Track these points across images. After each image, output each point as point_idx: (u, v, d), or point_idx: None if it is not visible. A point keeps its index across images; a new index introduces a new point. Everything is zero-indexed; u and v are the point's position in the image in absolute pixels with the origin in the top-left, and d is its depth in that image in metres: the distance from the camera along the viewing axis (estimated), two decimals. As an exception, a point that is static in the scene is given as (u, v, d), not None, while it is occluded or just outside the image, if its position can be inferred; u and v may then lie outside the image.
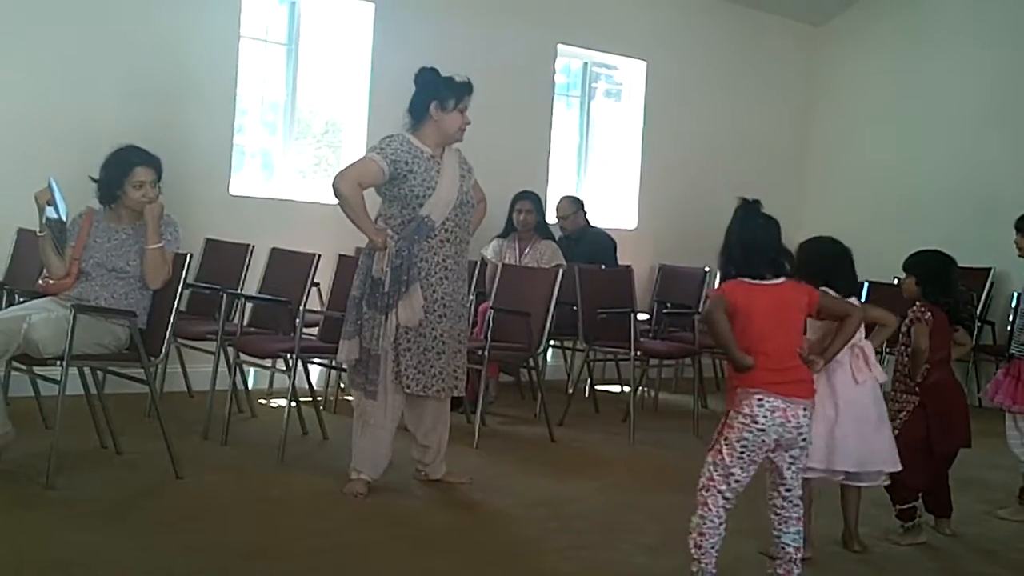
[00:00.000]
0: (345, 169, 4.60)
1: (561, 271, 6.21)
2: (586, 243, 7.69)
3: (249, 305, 5.87)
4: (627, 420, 6.25)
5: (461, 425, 5.78)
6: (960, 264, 8.61)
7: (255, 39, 7.11)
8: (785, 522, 3.49)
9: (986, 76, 8.64)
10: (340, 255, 5.94)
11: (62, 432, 4.36)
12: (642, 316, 7.26)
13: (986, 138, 8.60)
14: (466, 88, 4.65)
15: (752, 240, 3.47)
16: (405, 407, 4.67)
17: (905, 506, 4.39)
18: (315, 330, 5.81)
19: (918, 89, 9.10)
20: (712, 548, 3.41)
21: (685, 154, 8.96)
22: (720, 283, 3.55)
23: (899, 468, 4.08)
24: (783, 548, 3.50)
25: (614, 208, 8.84)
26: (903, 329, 4.46)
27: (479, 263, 6.98)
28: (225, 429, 5.30)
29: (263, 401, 6.40)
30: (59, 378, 4.32)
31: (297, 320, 5.38)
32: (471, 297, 6.37)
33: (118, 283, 4.65)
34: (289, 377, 5.26)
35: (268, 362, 5.72)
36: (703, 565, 3.41)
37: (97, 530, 3.89)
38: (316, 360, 5.98)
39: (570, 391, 6.81)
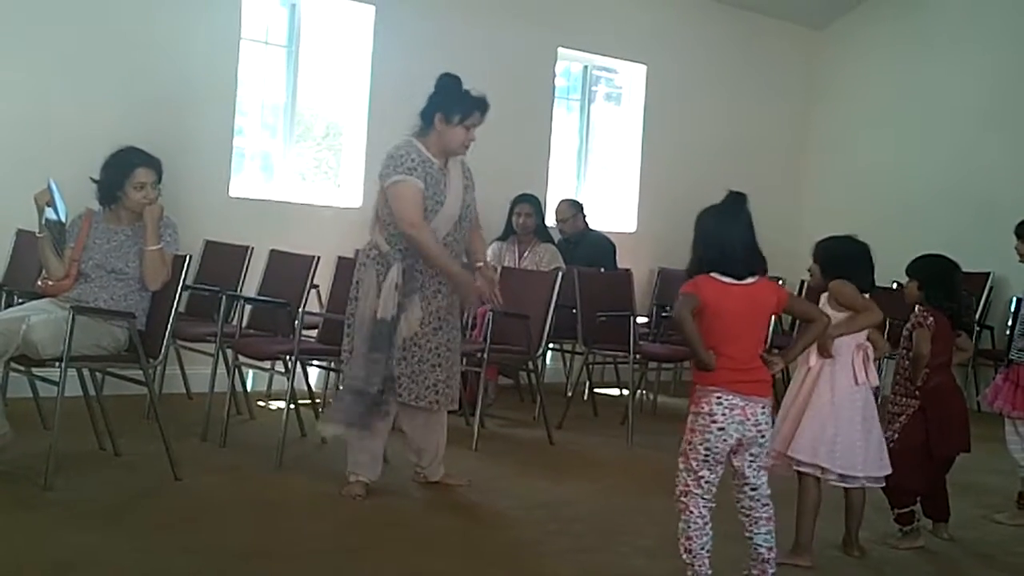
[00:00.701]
0: (404, 213, 4.39)
1: (560, 274, 6.21)
2: (585, 246, 7.69)
3: (248, 307, 5.87)
4: (626, 423, 6.25)
5: (460, 427, 5.78)
6: (959, 268, 8.61)
7: (255, 41, 7.11)
8: (755, 522, 3.50)
9: (985, 80, 8.65)
10: (339, 257, 5.94)
11: (61, 433, 4.36)
12: (641, 319, 7.26)
13: (985, 142, 8.60)
14: (477, 104, 4.56)
15: (736, 237, 3.45)
16: (401, 412, 4.66)
17: (903, 510, 4.39)
18: (314, 332, 5.81)
19: (917, 93, 9.10)
20: (702, 550, 3.42)
21: (685, 157, 8.96)
22: (690, 277, 3.49)
23: (885, 473, 4.09)
24: (756, 548, 3.50)
25: (614, 211, 8.84)
26: (904, 333, 4.47)
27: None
28: (224, 431, 5.30)
29: (262, 403, 6.40)
30: (58, 379, 4.32)
31: (296, 322, 5.38)
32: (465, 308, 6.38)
33: (117, 284, 4.65)
34: (288, 379, 5.25)
35: (267, 364, 5.72)
36: (696, 568, 3.42)
37: (95, 531, 3.89)
38: (315, 362, 5.98)
39: (569, 394, 6.80)
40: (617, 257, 7.81)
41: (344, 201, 7.33)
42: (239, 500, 4.48)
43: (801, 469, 4.01)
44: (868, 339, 4.11)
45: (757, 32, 9.45)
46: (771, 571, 3.50)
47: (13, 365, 4.53)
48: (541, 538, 4.25)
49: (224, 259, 6.24)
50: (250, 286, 6.17)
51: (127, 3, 6.39)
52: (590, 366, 6.86)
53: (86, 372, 4.79)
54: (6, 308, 5.11)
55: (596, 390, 7.15)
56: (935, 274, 4.47)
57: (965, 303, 4.65)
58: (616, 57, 8.84)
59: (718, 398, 3.40)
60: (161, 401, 5.00)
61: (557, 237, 7.62)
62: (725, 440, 3.40)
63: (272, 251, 6.17)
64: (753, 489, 3.48)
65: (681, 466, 3.47)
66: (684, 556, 3.44)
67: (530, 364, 6.28)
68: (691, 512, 3.43)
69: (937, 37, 8.99)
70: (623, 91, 9.07)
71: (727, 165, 9.07)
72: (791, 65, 9.79)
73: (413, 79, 7.07)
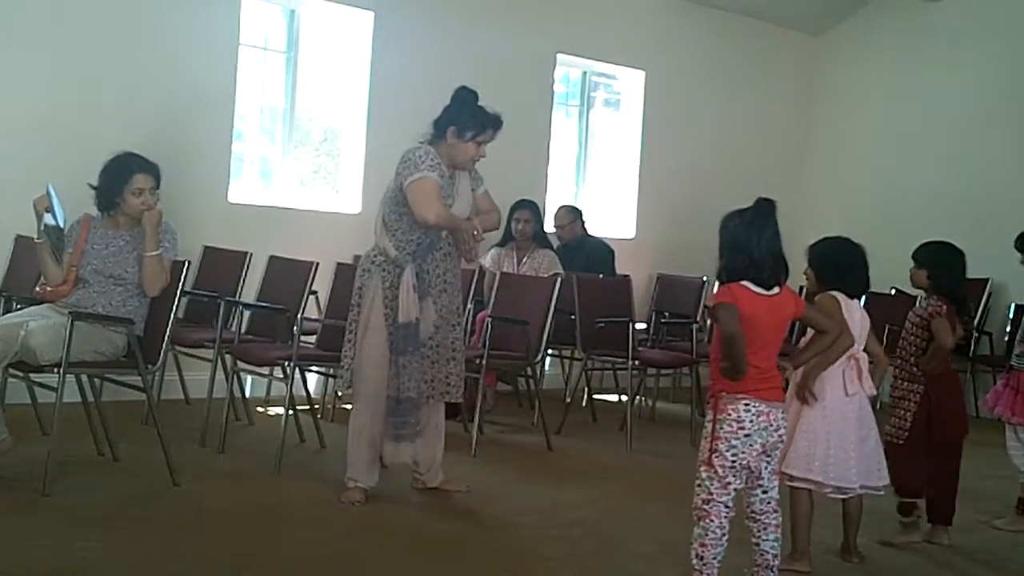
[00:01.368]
0: (424, 205, 4.41)
1: (559, 280, 6.21)
2: (584, 252, 7.69)
3: (247, 313, 5.86)
4: (624, 429, 6.25)
5: (459, 433, 5.78)
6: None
7: (254, 47, 7.11)
8: (764, 528, 3.49)
9: (983, 87, 8.66)
10: (338, 263, 5.94)
11: (59, 439, 4.36)
12: (640, 325, 7.27)
13: (983, 149, 8.61)
14: (492, 122, 4.58)
15: (766, 246, 3.42)
16: (413, 414, 4.66)
17: (907, 499, 4.39)
18: (313, 338, 5.81)
19: (916, 99, 9.11)
20: (714, 559, 3.40)
21: (683, 164, 8.96)
22: (726, 285, 3.46)
23: (883, 483, 4.09)
24: (763, 555, 3.50)
25: (612, 217, 8.84)
26: (914, 320, 4.48)
27: (477, 272, 6.97)
28: (222, 437, 5.29)
29: (260, 409, 6.39)
30: (56, 385, 4.32)
31: (295, 328, 5.37)
32: (469, 306, 6.39)
33: (116, 290, 4.64)
34: (286, 385, 5.25)
35: (265, 370, 5.72)
36: None
37: (94, 537, 3.88)
38: (313, 368, 5.98)
39: (568, 400, 6.80)
40: (616, 263, 7.81)
41: (343, 207, 7.33)
42: (238, 506, 4.48)
43: (795, 484, 4.00)
44: (867, 350, 4.12)
45: (756, 38, 9.45)
46: None
47: (11, 371, 4.52)
48: (540, 544, 4.24)
49: (223, 265, 6.24)
50: (249, 292, 6.16)
51: (126, 9, 6.39)
52: (589, 372, 6.87)
53: (84, 378, 4.78)
54: (5, 314, 5.09)
55: (595, 396, 7.16)
56: (943, 261, 4.50)
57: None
58: (615, 63, 8.85)
59: (746, 405, 3.39)
60: (160, 407, 4.99)
61: (556, 243, 7.62)
62: (751, 446, 3.39)
63: (271, 257, 6.17)
64: (765, 492, 3.48)
65: (704, 474, 3.43)
66: (694, 562, 3.42)
67: (529, 370, 6.28)
68: (711, 521, 3.40)
69: (935, 43, 9.01)
70: (622, 97, 9.07)
71: (725, 171, 9.10)
72: (790, 71, 9.80)
73: (412, 85, 7.19)
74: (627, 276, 7.47)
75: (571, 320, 6.52)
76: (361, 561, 3.90)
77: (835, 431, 3.97)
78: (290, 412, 5.26)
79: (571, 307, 6.49)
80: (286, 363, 5.26)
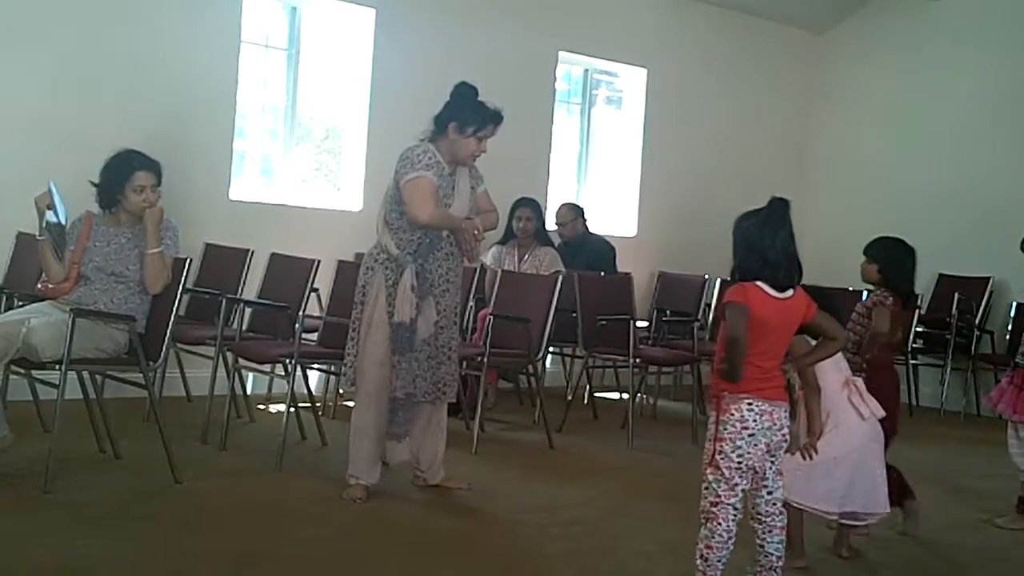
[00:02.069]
0: (418, 204, 4.43)
1: (560, 278, 6.21)
2: (586, 250, 7.69)
3: (248, 310, 5.87)
4: (626, 427, 6.25)
5: (460, 431, 5.78)
6: (959, 273, 8.70)
7: (256, 44, 7.11)
8: (770, 530, 3.48)
9: (986, 85, 8.65)
10: (339, 261, 5.95)
11: (60, 436, 4.36)
12: (641, 323, 7.27)
13: (985, 147, 8.61)
14: (492, 117, 4.58)
15: (781, 247, 3.40)
16: (401, 413, 4.67)
17: None
18: (314, 335, 5.81)
19: (918, 97, 9.10)
20: (719, 562, 3.38)
21: (685, 161, 8.96)
22: (739, 284, 3.43)
23: (888, 510, 4.09)
24: (767, 556, 3.49)
25: (614, 215, 8.84)
26: (860, 310, 4.51)
27: (478, 270, 6.97)
28: (224, 434, 5.29)
29: (262, 406, 6.39)
30: (58, 382, 4.32)
31: (296, 325, 5.38)
32: (471, 304, 6.39)
33: (117, 287, 4.64)
34: (288, 382, 5.25)
35: (267, 367, 5.71)
36: None
37: (95, 534, 3.88)
38: (315, 365, 5.97)
39: (569, 398, 6.80)
40: (617, 261, 7.81)
41: (344, 204, 7.33)
42: (239, 503, 4.48)
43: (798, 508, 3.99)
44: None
45: (758, 36, 9.45)
46: None
47: (13, 368, 4.53)
48: (541, 541, 4.24)
49: (224, 262, 6.24)
50: (250, 289, 6.17)
51: (128, 6, 6.39)
52: (590, 370, 6.87)
53: (86, 375, 4.78)
54: (6, 311, 5.10)
55: (596, 394, 7.15)
56: (895, 257, 4.53)
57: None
58: (617, 61, 8.84)
59: (749, 404, 3.37)
60: (161, 404, 5.00)
61: (557, 241, 7.62)
62: (755, 446, 3.38)
63: (272, 254, 6.17)
64: (770, 494, 3.46)
65: (710, 477, 3.40)
66: (698, 562, 3.41)
67: (530, 368, 6.28)
68: (719, 524, 3.37)
69: (937, 42, 9.00)
70: (624, 95, 9.07)
71: (727, 169, 9.11)
72: (791, 69, 9.79)
73: (413, 82, 7.19)
74: (628, 274, 7.46)
75: (572, 318, 6.52)
76: (362, 558, 3.90)
77: (852, 461, 3.95)
78: (291, 409, 5.26)
79: (572, 305, 6.49)
80: (287, 360, 5.26)
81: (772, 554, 3.48)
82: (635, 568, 4.00)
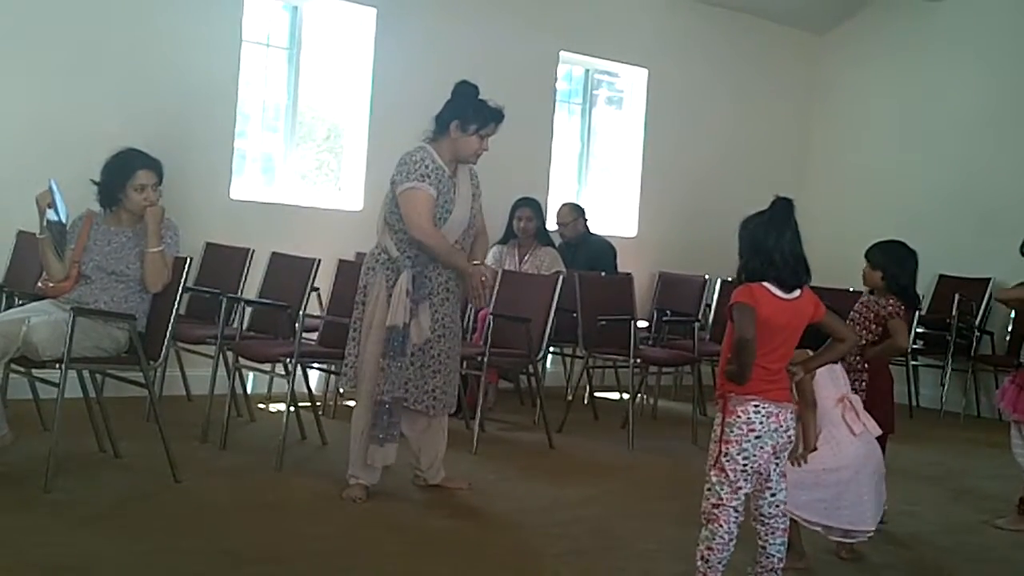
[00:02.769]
0: (415, 219, 4.43)
1: (561, 278, 6.21)
2: (586, 250, 7.69)
3: (248, 309, 5.87)
4: (626, 427, 6.25)
5: (460, 431, 5.78)
6: (959, 274, 8.71)
7: (257, 43, 7.11)
8: (772, 532, 3.47)
9: (985, 86, 8.65)
10: (340, 260, 5.95)
11: (61, 435, 4.35)
12: (642, 323, 7.27)
13: (986, 148, 8.60)
14: (494, 116, 4.57)
15: (787, 247, 3.39)
16: (402, 416, 4.65)
17: None
18: (314, 335, 5.81)
19: (919, 99, 9.10)
20: (720, 563, 3.38)
21: (686, 162, 8.96)
22: (746, 284, 3.42)
23: (873, 529, 4.07)
24: (769, 557, 3.48)
25: (614, 215, 8.84)
26: (868, 315, 4.52)
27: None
28: (224, 433, 5.29)
29: (262, 405, 6.39)
30: (58, 381, 4.32)
31: (297, 325, 5.37)
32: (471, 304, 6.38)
33: (118, 286, 4.64)
34: (288, 381, 5.25)
35: (267, 366, 5.71)
36: None
37: (95, 533, 3.88)
38: (315, 365, 5.98)
39: (569, 398, 6.80)
40: (618, 261, 7.81)
41: (345, 204, 7.33)
42: (239, 503, 4.48)
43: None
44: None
45: (759, 37, 9.44)
46: None
47: (13, 366, 4.53)
48: (541, 541, 4.24)
49: (225, 261, 6.24)
50: (251, 288, 6.17)
51: (129, 5, 6.39)
52: (590, 370, 6.87)
53: (86, 374, 4.78)
54: (7, 309, 5.10)
55: (596, 394, 7.15)
56: (898, 262, 4.52)
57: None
58: (618, 61, 8.84)
59: (755, 406, 3.36)
60: (161, 403, 5.00)
61: (558, 241, 7.62)
62: (761, 448, 3.37)
63: (273, 253, 6.18)
64: (774, 496, 3.45)
65: (714, 479, 3.39)
66: (699, 564, 3.40)
67: (530, 368, 6.28)
68: (720, 526, 3.37)
69: (937, 43, 8.99)
70: (624, 95, 9.07)
71: (728, 170, 9.11)
72: (792, 70, 9.78)
73: (414, 82, 7.19)
74: (629, 274, 7.46)
75: (573, 318, 6.53)
76: (362, 558, 3.90)
77: (845, 479, 3.94)
78: (291, 409, 5.26)
79: (573, 305, 6.49)
80: (288, 360, 5.26)
81: (774, 555, 3.48)
82: (635, 568, 4.00)
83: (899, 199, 8.99)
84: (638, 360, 6.36)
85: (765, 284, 3.39)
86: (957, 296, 8.03)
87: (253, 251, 6.19)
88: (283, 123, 7.29)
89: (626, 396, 6.71)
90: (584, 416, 6.88)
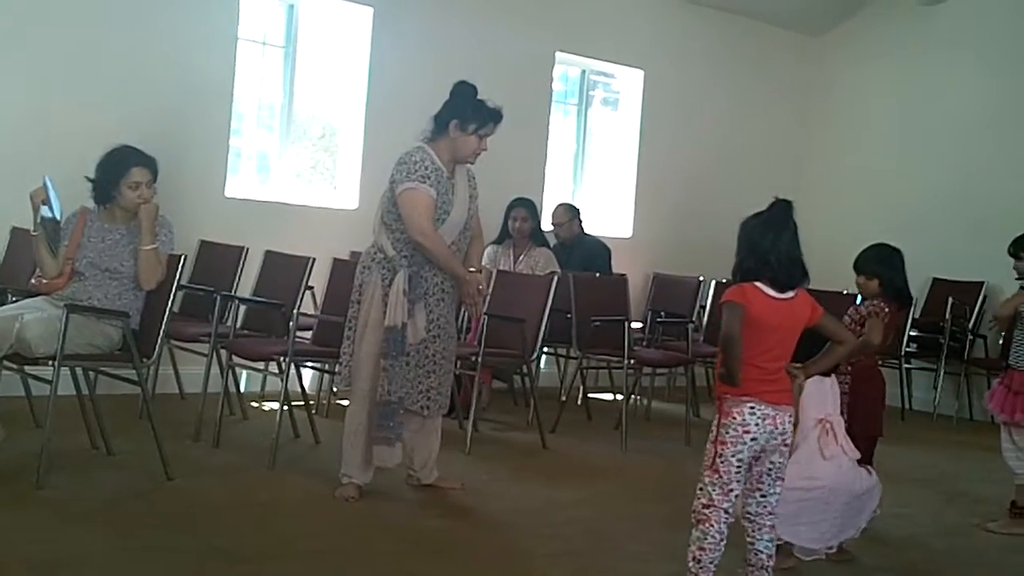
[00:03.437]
0: (415, 220, 4.43)
1: (556, 278, 6.21)
2: (581, 251, 7.69)
3: (242, 307, 5.86)
4: (619, 428, 6.25)
5: (453, 431, 5.78)
6: (953, 277, 8.71)
7: (253, 42, 7.10)
8: (759, 529, 3.48)
9: (983, 89, 8.66)
10: (335, 259, 5.94)
11: (53, 432, 4.34)
12: (636, 324, 7.27)
13: (981, 151, 8.62)
14: (493, 116, 4.59)
15: (784, 248, 3.39)
16: (394, 417, 4.65)
17: None
18: (308, 334, 5.80)
19: (915, 101, 9.11)
20: (711, 563, 3.38)
21: (681, 163, 8.97)
22: (738, 284, 3.43)
23: (831, 544, 4.08)
24: (757, 555, 3.48)
25: (609, 216, 8.84)
26: (856, 318, 4.53)
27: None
28: (217, 431, 5.29)
29: (255, 404, 6.38)
30: (51, 378, 4.31)
31: (291, 323, 5.37)
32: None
33: (111, 283, 4.64)
34: (281, 380, 5.25)
35: (261, 365, 5.71)
36: None
37: (87, 530, 3.88)
38: (309, 364, 5.97)
39: (563, 398, 6.80)
40: (612, 262, 7.81)
41: (340, 203, 7.33)
42: (231, 501, 4.47)
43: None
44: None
45: (755, 38, 9.45)
46: None
47: (6, 363, 4.51)
48: (534, 542, 4.24)
49: (219, 259, 6.23)
50: (245, 287, 6.15)
51: (125, 3, 6.38)
52: (584, 371, 6.87)
53: (79, 371, 4.78)
54: (0, 306, 5.09)
55: (590, 395, 7.16)
56: (891, 267, 4.52)
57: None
58: (614, 62, 8.84)
59: (751, 408, 3.35)
60: (154, 401, 4.99)
61: (553, 241, 7.62)
62: (754, 450, 3.37)
63: (267, 252, 6.17)
64: (763, 496, 3.45)
65: (707, 479, 3.39)
66: (690, 564, 3.41)
67: (524, 368, 6.28)
68: (711, 526, 3.37)
69: (935, 45, 9.00)
70: (620, 96, 9.07)
71: (723, 171, 9.12)
72: (789, 71, 9.79)
73: (410, 81, 7.19)
74: (624, 275, 7.47)
75: (567, 319, 6.52)
76: (354, 557, 3.90)
77: (815, 497, 3.94)
78: (285, 407, 5.25)
79: (567, 306, 6.49)
80: (281, 358, 5.26)
81: (762, 552, 3.48)
82: (628, 569, 4.00)
83: (893, 201, 9.00)
84: (632, 361, 6.36)
85: (758, 284, 3.40)
86: (950, 299, 8.04)
87: (247, 249, 6.18)
88: (279, 121, 7.28)
89: (619, 397, 6.71)
90: (577, 417, 6.88)
